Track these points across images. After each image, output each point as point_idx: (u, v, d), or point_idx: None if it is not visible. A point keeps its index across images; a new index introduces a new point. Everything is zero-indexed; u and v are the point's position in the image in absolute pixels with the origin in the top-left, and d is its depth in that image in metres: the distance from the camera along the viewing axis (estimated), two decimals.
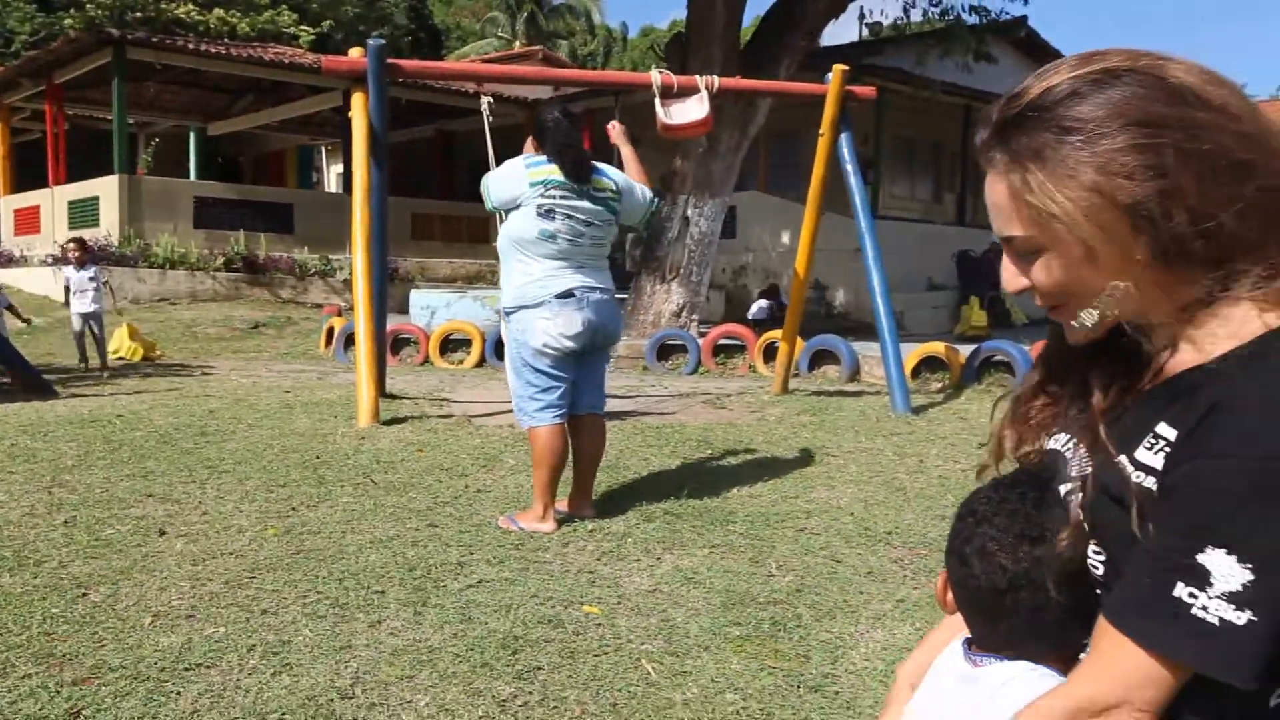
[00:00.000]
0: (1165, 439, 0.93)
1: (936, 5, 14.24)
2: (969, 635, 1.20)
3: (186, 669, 3.07)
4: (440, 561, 3.91)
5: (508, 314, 4.21)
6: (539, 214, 4.09)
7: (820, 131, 7.92)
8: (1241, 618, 0.86)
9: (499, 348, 10.39)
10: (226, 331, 13.14)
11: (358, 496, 4.68)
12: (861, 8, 16.71)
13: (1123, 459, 0.96)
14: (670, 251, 11.82)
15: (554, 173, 4.12)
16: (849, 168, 7.97)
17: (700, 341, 10.75)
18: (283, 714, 2.84)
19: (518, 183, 4.15)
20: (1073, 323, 1.01)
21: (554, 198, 4.10)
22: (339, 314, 13.08)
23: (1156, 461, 0.93)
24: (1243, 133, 0.91)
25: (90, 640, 3.24)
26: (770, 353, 10.11)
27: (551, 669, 3.13)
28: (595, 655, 3.24)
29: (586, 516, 4.42)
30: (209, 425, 6.24)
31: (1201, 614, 0.87)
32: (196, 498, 4.65)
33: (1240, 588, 0.86)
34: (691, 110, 7.41)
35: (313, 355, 11.84)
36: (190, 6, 25.90)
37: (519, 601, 3.57)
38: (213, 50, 16.79)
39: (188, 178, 20.33)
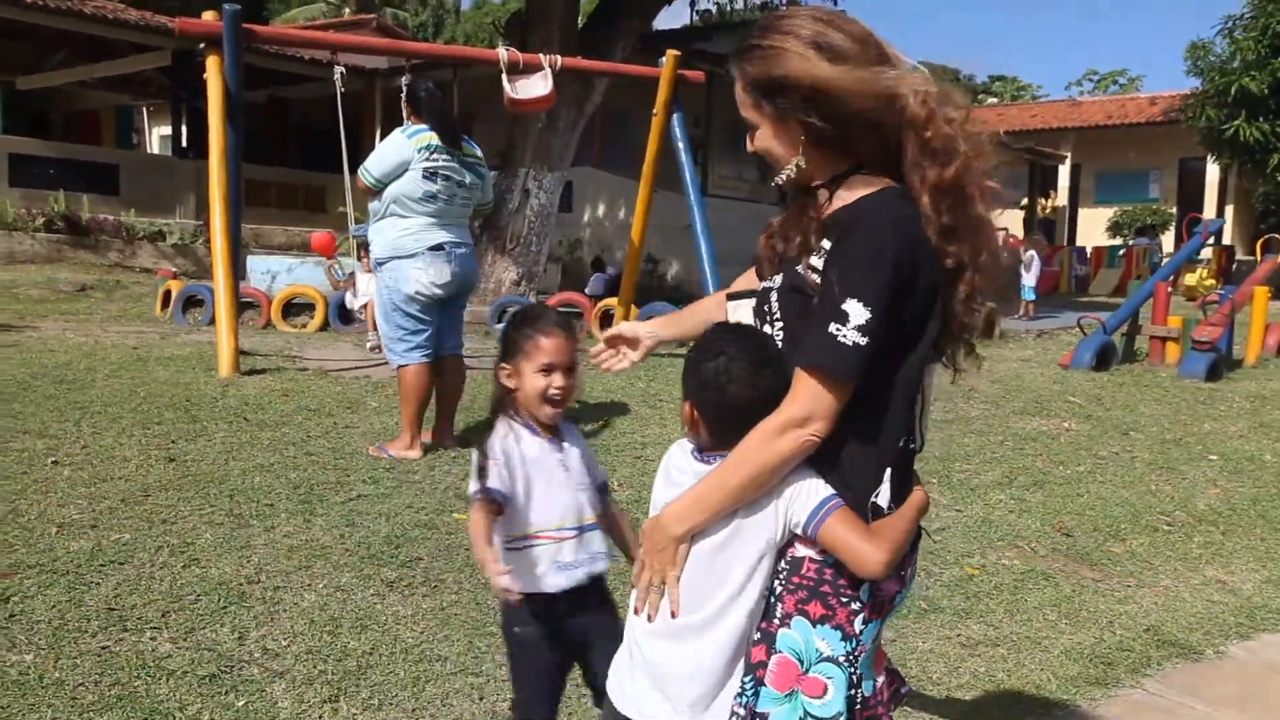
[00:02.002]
0: (824, 248, 1.60)
1: None
2: (694, 446, 1.70)
3: (101, 565, 3.46)
4: (321, 481, 4.38)
5: (379, 264, 4.70)
6: (424, 176, 4.59)
7: (654, 112, 8.60)
8: (863, 340, 1.51)
9: (342, 312, 10.67)
10: (50, 294, 12.75)
11: (233, 432, 5.05)
12: None
13: (803, 264, 1.63)
14: (511, 222, 12.29)
15: (433, 138, 4.63)
16: (680, 146, 8.68)
17: None
18: (198, 596, 3.30)
19: (404, 150, 4.62)
20: (779, 176, 1.69)
21: (436, 161, 4.61)
22: (174, 277, 12.91)
23: (819, 263, 1.60)
24: (826, 80, 1.57)
25: (1, 546, 3.56)
26: (606, 320, 10.77)
27: (430, 559, 3.68)
28: (466, 549, 3.79)
29: (449, 446, 4.95)
30: (65, 375, 6.37)
31: (843, 340, 1.51)
32: (73, 434, 4.91)
33: (864, 322, 1.51)
34: (536, 86, 7.96)
35: (148, 318, 11.70)
36: None
37: (396, 511, 4.10)
38: (28, 1, 16.02)
39: None
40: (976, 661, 3.24)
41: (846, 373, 1.52)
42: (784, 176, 1.67)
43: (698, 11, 18.06)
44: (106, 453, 4.64)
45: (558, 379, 2.03)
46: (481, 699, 2.82)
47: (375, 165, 4.70)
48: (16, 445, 4.68)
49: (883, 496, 1.63)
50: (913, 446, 1.71)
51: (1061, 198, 28.47)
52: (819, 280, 1.58)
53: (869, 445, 1.61)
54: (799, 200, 1.72)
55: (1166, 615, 3.69)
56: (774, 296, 1.69)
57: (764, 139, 1.67)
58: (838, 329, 1.52)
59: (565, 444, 2.12)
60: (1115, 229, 26.16)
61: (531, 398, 2.04)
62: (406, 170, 4.62)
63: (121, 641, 2.97)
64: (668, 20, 67.72)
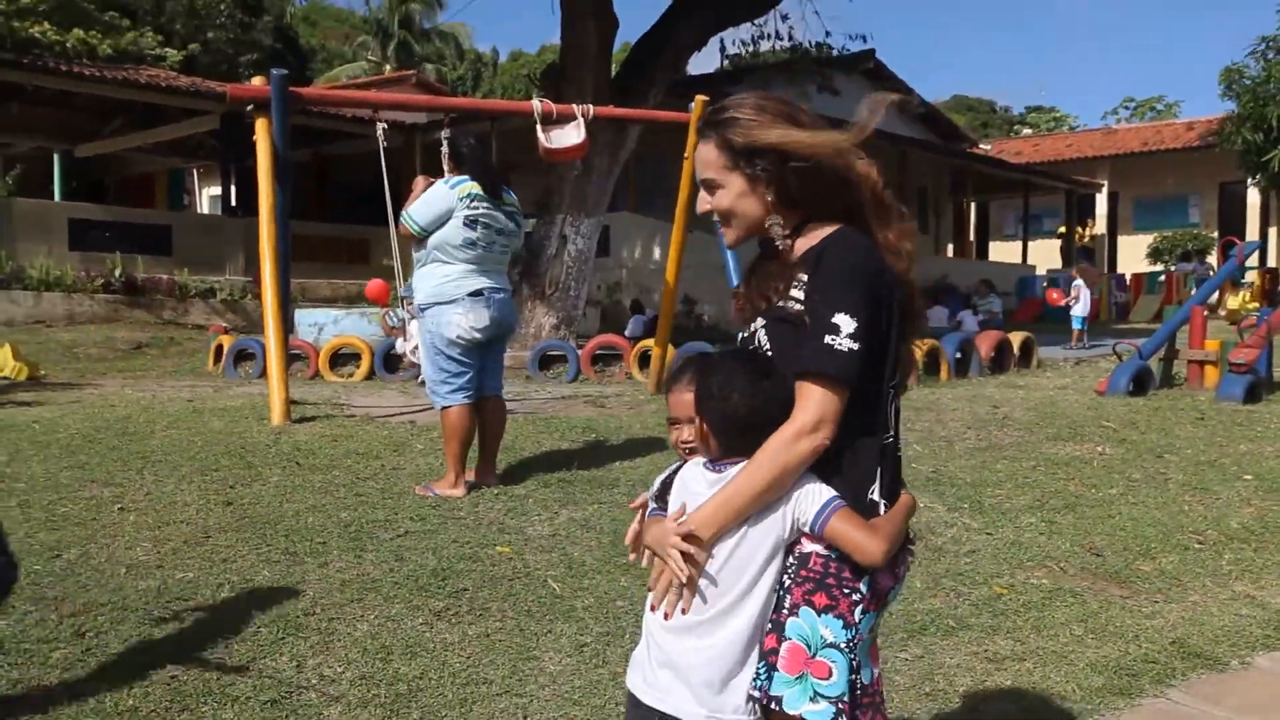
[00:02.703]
0: (801, 280, 1.81)
1: (786, 39, 15.49)
2: (704, 460, 1.86)
3: (168, 602, 3.68)
4: (370, 520, 4.59)
5: (423, 309, 4.94)
6: (465, 224, 4.84)
7: (685, 156, 8.84)
8: (855, 347, 1.73)
9: (387, 360, 10.97)
10: (109, 352, 13.24)
11: (286, 476, 5.28)
12: (722, 40, 17.88)
13: (784, 300, 1.83)
14: (549, 268, 12.57)
15: (474, 188, 4.89)
16: None
17: (579, 351, 11.52)
18: (258, 628, 3.50)
19: (447, 200, 4.87)
20: (773, 234, 1.89)
21: (478, 210, 4.86)
22: (225, 332, 13.34)
23: (800, 294, 1.81)
24: (800, 142, 1.81)
25: (75, 586, 3.80)
26: (644, 360, 10.98)
27: (475, 589, 3.86)
28: (509, 579, 3.98)
29: (491, 484, 5.15)
30: (126, 428, 6.67)
31: (840, 348, 1.73)
32: (136, 482, 5.17)
33: (853, 331, 1.73)
34: (569, 135, 8.22)
35: (201, 372, 12.10)
36: (46, 25, 25.35)
37: (442, 545, 4.29)
38: (86, 73, 16.76)
39: (53, 200, 20.04)
40: (1003, 675, 3.34)
41: (846, 376, 1.74)
42: (777, 234, 1.89)
43: (727, 57, 18.37)
44: (168, 498, 4.89)
45: (684, 433, 2.02)
46: (526, 718, 2.98)
47: (420, 214, 4.94)
48: (85, 494, 4.95)
49: (876, 492, 1.83)
50: (899, 452, 1.90)
51: (1100, 225, 28.34)
52: (802, 307, 1.80)
53: (861, 444, 1.82)
54: (762, 253, 1.96)
55: (1193, 628, 3.76)
56: (760, 335, 1.90)
57: (729, 198, 1.89)
58: (833, 339, 1.74)
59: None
60: (1155, 255, 25.97)
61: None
62: (450, 219, 4.86)
63: (189, 671, 3.17)
64: (699, 65, 68.57)
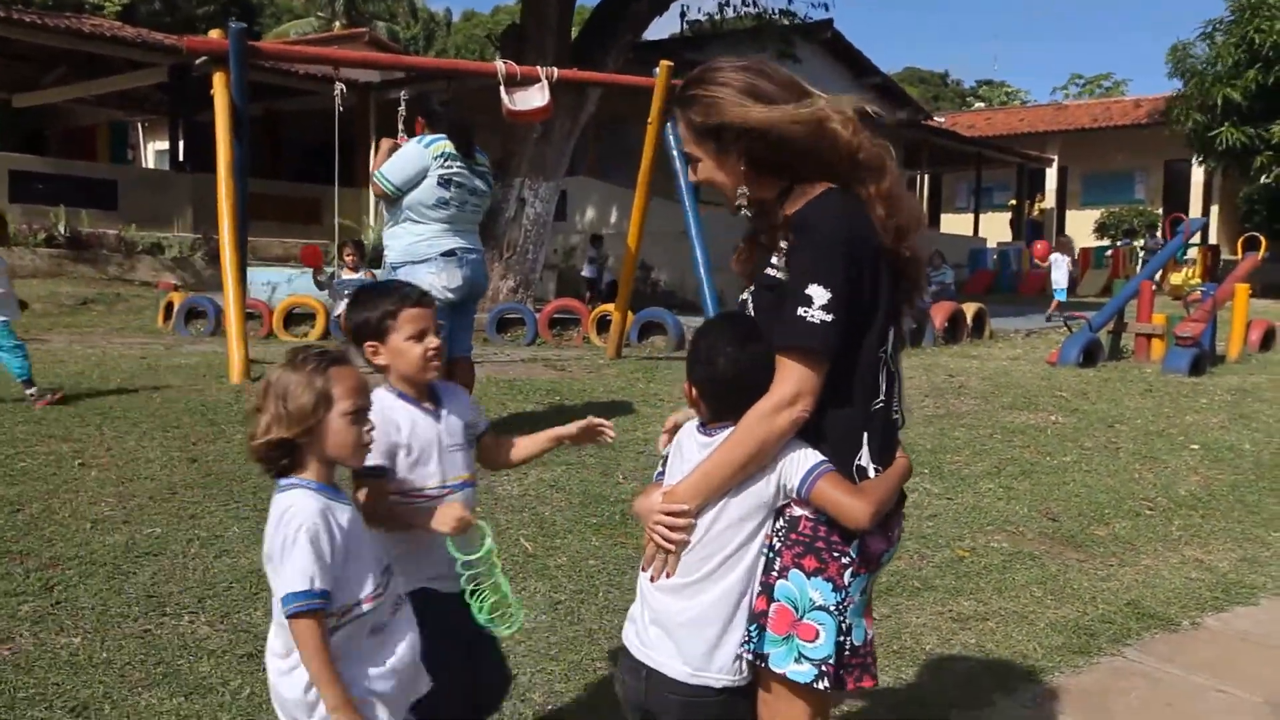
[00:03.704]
0: (783, 248, 1.81)
1: (750, 4, 15.45)
2: (699, 422, 1.90)
3: (136, 557, 3.64)
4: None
5: (394, 268, 4.88)
6: (439, 183, 4.79)
7: (649, 121, 8.81)
8: (829, 318, 1.71)
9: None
10: (54, 308, 12.93)
11: None
12: (683, 5, 17.78)
13: (769, 266, 1.84)
14: (507, 231, 12.48)
15: (448, 146, 4.83)
16: (676, 154, 8.88)
17: (537, 315, 11.48)
18: (230, 583, 3.48)
19: (421, 159, 4.81)
20: (735, 203, 1.90)
21: (451, 169, 4.81)
22: (175, 289, 13.09)
23: (781, 261, 1.81)
24: (758, 120, 1.80)
25: (40, 540, 3.75)
26: (602, 325, 10.99)
27: None
28: None
29: None
30: (81, 383, 6.55)
31: (812, 319, 1.72)
32: (96, 438, 5.09)
33: (827, 302, 1.71)
34: (534, 98, 8.14)
35: (150, 330, 11.87)
36: None
37: None
38: (27, 19, 16.21)
39: None
40: (967, 634, 3.44)
41: (820, 347, 1.74)
42: (739, 204, 1.90)
43: (688, 22, 18.28)
44: (130, 454, 4.82)
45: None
46: None
47: (394, 173, 4.87)
48: (43, 449, 4.86)
49: (864, 458, 1.83)
50: (895, 416, 1.91)
51: (1049, 200, 28.79)
52: (783, 275, 1.80)
53: (844, 412, 1.82)
54: (756, 217, 1.95)
55: (1146, 590, 3.89)
56: (750, 301, 1.92)
57: (707, 171, 1.91)
58: (805, 311, 1.73)
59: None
60: (1101, 230, 26.48)
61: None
62: (424, 178, 4.81)
63: (162, 625, 3.15)
64: (657, 31, 68.09)
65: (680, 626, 1.83)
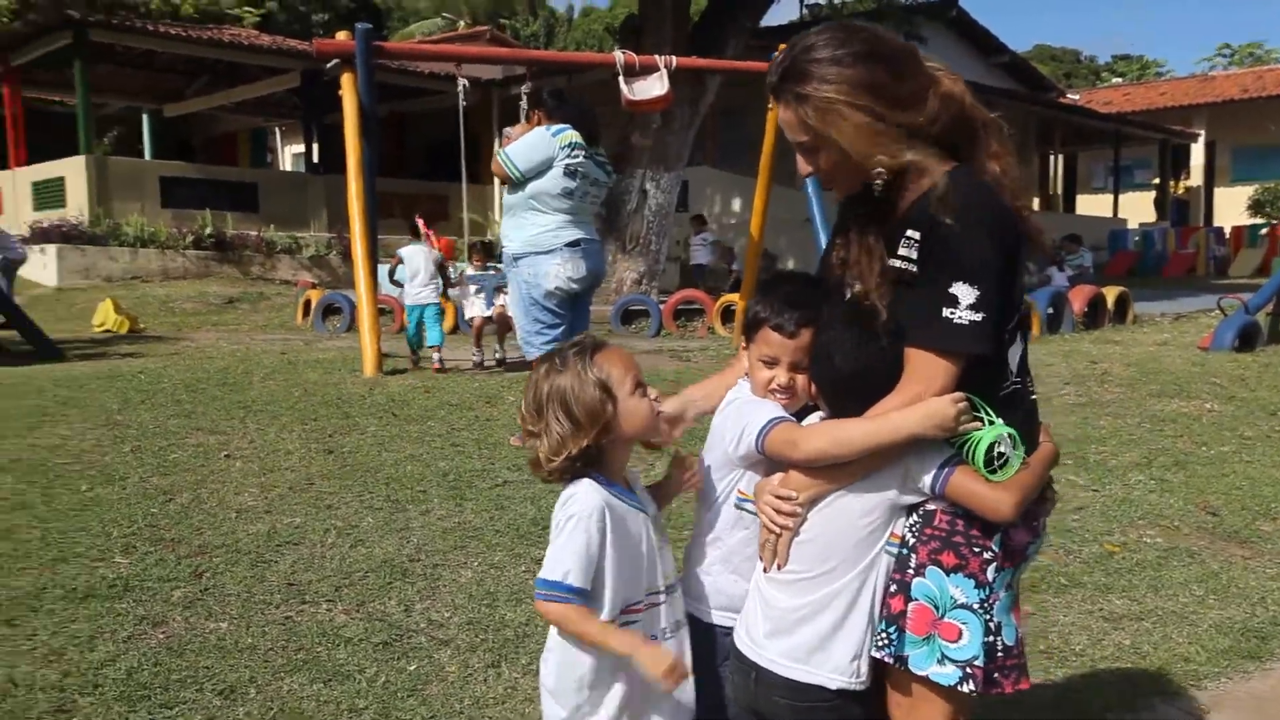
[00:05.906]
0: (913, 238, 1.65)
1: None
2: (820, 417, 1.79)
3: (278, 546, 3.75)
4: (468, 469, 4.62)
5: (517, 259, 4.90)
6: (565, 173, 4.79)
7: (769, 108, 8.66)
8: (979, 317, 1.58)
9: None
10: (202, 306, 13.59)
11: (383, 426, 5.35)
12: None
13: (896, 258, 1.67)
14: (630, 222, 12.51)
15: (575, 136, 4.82)
16: None
17: (661, 306, 11.47)
18: (365, 573, 3.55)
19: (549, 147, 4.81)
20: (837, 191, 1.76)
21: (577, 159, 4.81)
22: (312, 287, 13.59)
23: (912, 253, 1.65)
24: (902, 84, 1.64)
25: (190, 529, 3.90)
26: (727, 316, 10.90)
27: None
28: None
29: None
30: (226, 378, 6.84)
31: (960, 321, 1.58)
32: (240, 430, 5.29)
33: (975, 301, 1.57)
34: (653, 87, 8.11)
35: (290, 326, 12.35)
36: None
37: (540, 495, 4.29)
38: (172, 32, 17.06)
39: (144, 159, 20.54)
40: (1121, 635, 3.24)
41: (964, 349, 1.61)
42: (878, 186, 1.70)
43: (806, 6, 17.97)
44: (271, 446, 4.99)
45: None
46: None
47: (520, 158, 4.86)
48: (192, 441, 5.08)
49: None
50: (1033, 396, 1.77)
51: (1195, 177, 27.27)
52: (916, 270, 1.65)
53: (977, 400, 1.67)
54: (859, 204, 1.77)
55: None
56: (872, 296, 1.72)
57: (825, 159, 1.73)
58: (951, 312, 1.60)
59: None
60: (1256, 207, 24.92)
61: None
62: (550, 168, 4.81)
63: (301, 612, 3.23)
64: (776, 17, 67.33)
65: (793, 624, 1.75)
